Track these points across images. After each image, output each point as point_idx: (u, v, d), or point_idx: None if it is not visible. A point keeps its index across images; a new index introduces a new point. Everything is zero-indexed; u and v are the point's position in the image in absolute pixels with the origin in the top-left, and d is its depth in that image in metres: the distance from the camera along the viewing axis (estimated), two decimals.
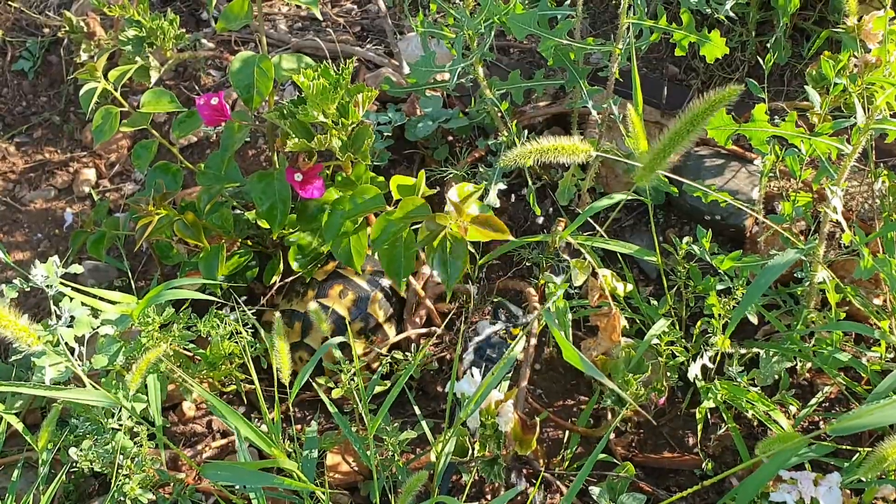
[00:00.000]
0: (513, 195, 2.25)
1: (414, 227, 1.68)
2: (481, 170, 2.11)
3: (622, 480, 1.61)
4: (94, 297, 1.65)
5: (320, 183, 1.80)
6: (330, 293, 1.93)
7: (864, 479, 1.45)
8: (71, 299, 1.60)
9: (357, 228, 1.76)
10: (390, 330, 1.97)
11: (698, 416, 1.68)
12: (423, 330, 1.96)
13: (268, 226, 1.90)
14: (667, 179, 1.89)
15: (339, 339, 1.61)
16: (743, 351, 1.73)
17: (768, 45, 2.15)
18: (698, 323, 1.73)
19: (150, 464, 1.61)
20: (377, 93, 1.77)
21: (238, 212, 2.06)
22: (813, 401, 1.72)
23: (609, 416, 1.79)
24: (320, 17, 2.32)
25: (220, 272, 1.85)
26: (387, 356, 1.84)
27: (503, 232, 1.60)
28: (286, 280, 2.04)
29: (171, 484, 1.70)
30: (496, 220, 1.60)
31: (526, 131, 2.07)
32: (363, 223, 1.77)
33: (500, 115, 2.04)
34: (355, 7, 2.86)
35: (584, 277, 1.65)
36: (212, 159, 1.97)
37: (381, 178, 1.84)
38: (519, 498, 1.69)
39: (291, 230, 1.96)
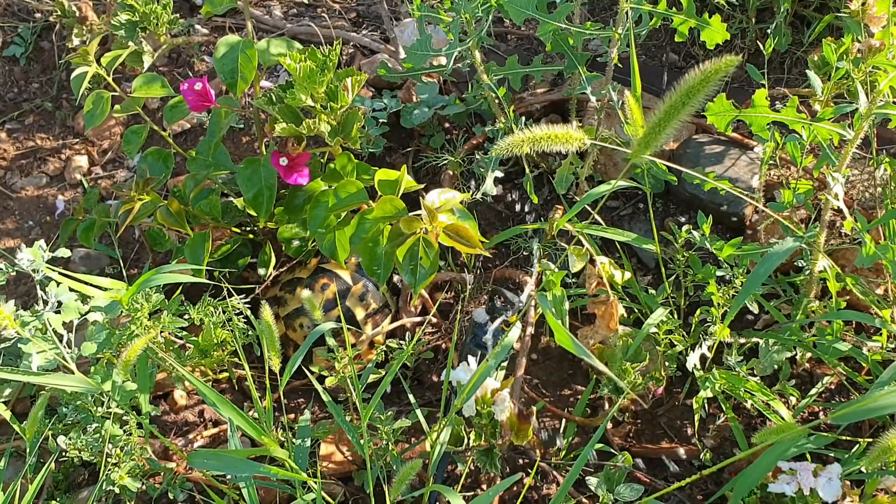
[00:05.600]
0: (510, 183, 2.23)
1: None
2: (478, 157, 2.08)
3: (619, 470, 1.59)
4: (84, 283, 1.63)
5: (305, 170, 1.78)
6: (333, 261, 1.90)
7: (865, 470, 1.43)
8: (58, 284, 1.57)
9: (341, 222, 1.73)
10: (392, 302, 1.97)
11: (696, 405, 1.66)
12: (418, 318, 1.93)
13: (255, 213, 1.87)
14: (665, 167, 1.86)
15: (331, 326, 1.59)
16: (742, 340, 1.71)
17: (768, 32, 2.12)
18: (697, 312, 1.71)
19: (140, 453, 1.59)
20: (367, 76, 1.74)
21: (229, 199, 2.04)
22: (813, 391, 1.70)
23: (606, 406, 1.77)
24: (307, 1, 2.29)
25: (207, 259, 1.82)
26: (382, 345, 1.82)
27: (475, 245, 1.56)
28: (281, 270, 2.02)
29: (162, 473, 1.67)
30: (469, 232, 1.57)
31: (523, 118, 2.04)
32: (347, 217, 1.74)
33: (497, 101, 2.01)
34: None
35: (582, 264, 1.63)
36: (202, 145, 1.95)
37: (375, 168, 1.81)
38: (515, 488, 1.67)
39: (284, 221, 1.94)
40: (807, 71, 1.69)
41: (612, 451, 1.69)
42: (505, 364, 1.74)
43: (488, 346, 1.83)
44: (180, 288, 1.87)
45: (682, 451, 1.71)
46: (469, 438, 1.52)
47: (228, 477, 1.61)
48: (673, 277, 1.79)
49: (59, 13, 2.39)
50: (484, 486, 1.69)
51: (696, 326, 1.73)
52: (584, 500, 1.65)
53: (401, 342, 1.81)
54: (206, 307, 1.73)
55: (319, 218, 1.72)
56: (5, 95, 2.68)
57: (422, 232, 1.56)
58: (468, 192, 2.08)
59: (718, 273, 1.69)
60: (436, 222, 1.56)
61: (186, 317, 1.72)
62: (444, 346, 1.95)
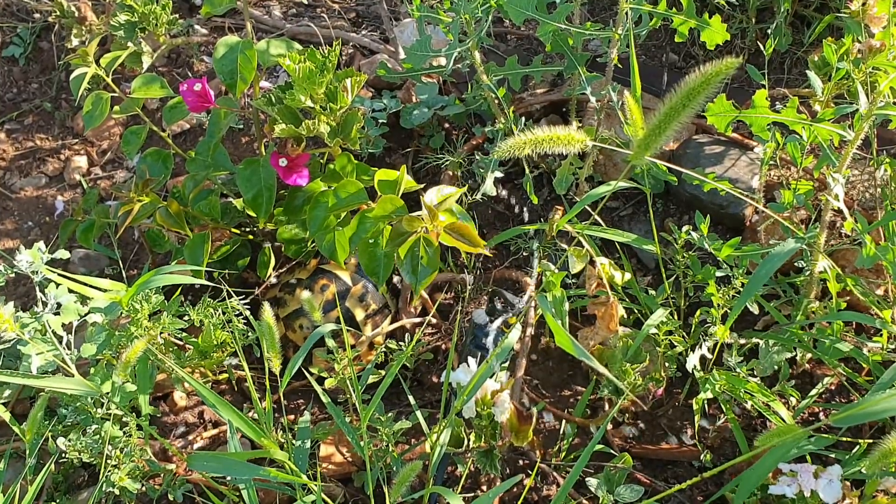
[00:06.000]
0: (510, 183, 2.22)
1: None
2: (478, 158, 2.08)
3: (619, 472, 1.58)
4: (83, 284, 1.62)
5: (305, 171, 1.78)
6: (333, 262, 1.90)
7: (865, 471, 1.43)
8: (57, 286, 1.57)
9: (341, 223, 1.73)
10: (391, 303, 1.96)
11: (696, 406, 1.65)
12: (418, 319, 1.93)
13: (254, 214, 1.87)
14: (665, 168, 1.86)
15: (331, 327, 1.58)
16: (742, 341, 1.70)
17: (769, 32, 2.12)
18: (697, 313, 1.71)
19: (140, 454, 1.59)
20: (366, 77, 1.74)
21: (229, 200, 2.04)
22: (813, 392, 1.70)
23: (606, 407, 1.77)
24: (306, 1, 2.29)
25: (206, 260, 1.82)
26: (381, 345, 1.81)
27: (476, 244, 1.56)
28: (281, 271, 2.02)
29: (162, 475, 1.67)
30: (470, 231, 1.56)
31: (523, 119, 2.04)
32: (346, 218, 1.74)
33: (496, 101, 2.01)
34: None
35: (582, 265, 1.62)
36: (201, 146, 1.94)
37: (375, 168, 1.81)
38: (515, 489, 1.67)
39: (284, 222, 1.93)
40: (807, 71, 1.69)
41: (612, 452, 1.68)
42: (505, 365, 1.73)
43: (489, 346, 1.83)
44: (180, 289, 1.87)
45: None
46: (469, 440, 1.51)
47: (228, 478, 1.61)
48: (673, 278, 1.79)
49: (59, 13, 2.38)
50: (484, 488, 1.69)
51: (696, 327, 1.73)
52: (584, 501, 1.65)
53: (400, 343, 1.81)
54: (206, 308, 1.73)
55: (319, 219, 1.72)
56: (4, 96, 2.68)
57: (422, 231, 1.55)
58: (468, 192, 2.08)
59: (718, 274, 1.69)
60: (436, 221, 1.55)
61: (186, 318, 1.72)
62: (444, 346, 1.95)
